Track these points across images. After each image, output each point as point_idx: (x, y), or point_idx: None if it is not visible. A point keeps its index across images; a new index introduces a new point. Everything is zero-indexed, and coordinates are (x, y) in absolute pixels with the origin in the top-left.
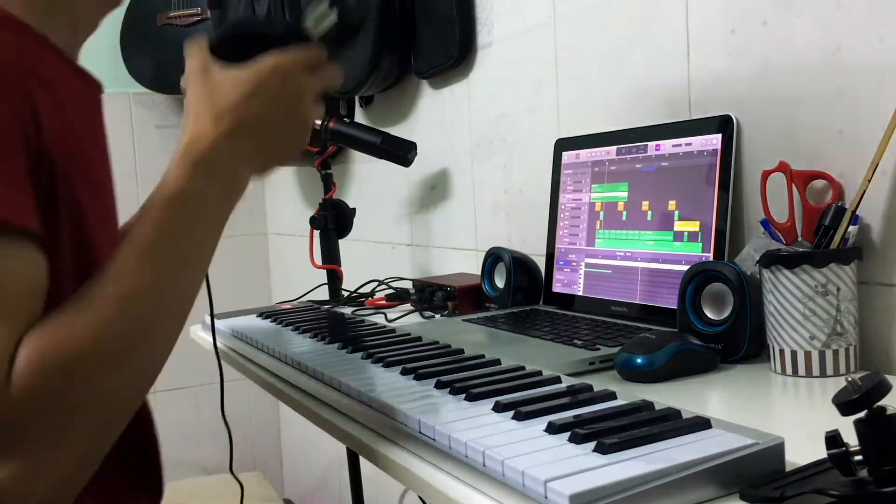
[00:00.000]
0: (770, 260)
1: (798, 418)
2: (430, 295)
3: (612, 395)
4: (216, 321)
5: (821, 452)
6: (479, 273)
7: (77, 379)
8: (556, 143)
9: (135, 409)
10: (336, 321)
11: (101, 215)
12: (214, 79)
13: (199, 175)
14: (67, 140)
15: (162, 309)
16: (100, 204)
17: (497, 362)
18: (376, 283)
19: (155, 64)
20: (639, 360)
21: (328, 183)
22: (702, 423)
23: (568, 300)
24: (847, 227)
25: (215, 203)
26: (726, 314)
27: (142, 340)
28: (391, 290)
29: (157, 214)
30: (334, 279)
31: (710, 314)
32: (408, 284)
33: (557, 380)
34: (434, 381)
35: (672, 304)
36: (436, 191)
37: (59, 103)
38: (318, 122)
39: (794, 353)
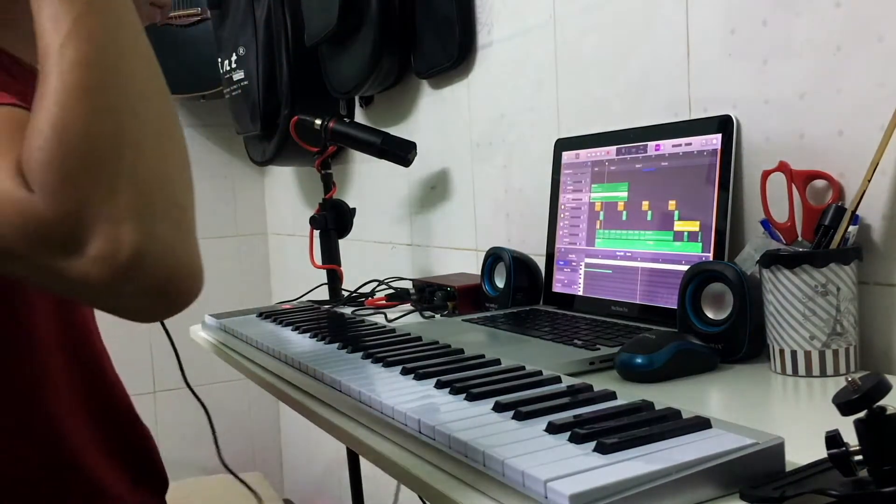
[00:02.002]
0: (770, 260)
1: (798, 418)
2: (430, 295)
3: (612, 395)
4: (216, 320)
5: (821, 452)
6: (479, 273)
7: (78, 143)
8: (556, 143)
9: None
10: (336, 321)
11: None
12: None
13: None
14: None
15: (105, 31)
16: None
17: (497, 362)
18: (376, 283)
19: None
20: (639, 360)
21: (328, 183)
22: (702, 423)
23: (568, 300)
24: (847, 227)
25: None
26: (726, 314)
27: (109, 64)
28: (391, 290)
29: None
30: (334, 279)
31: (710, 314)
32: (408, 284)
33: (557, 380)
34: (434, 381)
35: (672, 304)
36: (436, 191)
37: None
38: (318, 122)
39: (794, 353)
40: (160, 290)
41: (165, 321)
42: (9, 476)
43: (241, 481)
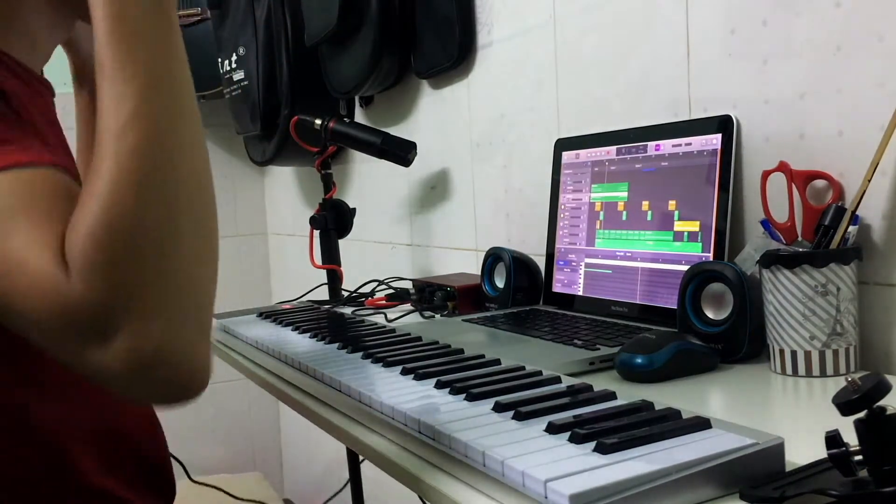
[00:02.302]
0: (770, 260)
1: (798, 418)
2: (430, 295)
3: (612, 395)
4: (216, 320)
5: (821, 452)
6: (479, 273)
7: (128, 234)
8: (556, 143)
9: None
10: (336, 321)
11: None
12: None
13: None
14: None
15: (167, 118)
16: None
17: (497, 362)
18: (376, 283)
19: None
20: (639, 360)
21: (328, 183)
22: (702, 423)
23: (568, 300)
24: (847, 227)
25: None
26: (726, 314)
27: (166, 155)
28: (391, 290)
29: (108, 40)
30: (334, 279)
31: (710, 314)
32: (408, 284)
33: (557, 380)
34: (434, 381)
35: (672, 304)
36: (436, 191)
37: (32, 99)
38: (318, 122)
39: (794, 353)
40: (174, 385)
41: None
42: (9, 476)
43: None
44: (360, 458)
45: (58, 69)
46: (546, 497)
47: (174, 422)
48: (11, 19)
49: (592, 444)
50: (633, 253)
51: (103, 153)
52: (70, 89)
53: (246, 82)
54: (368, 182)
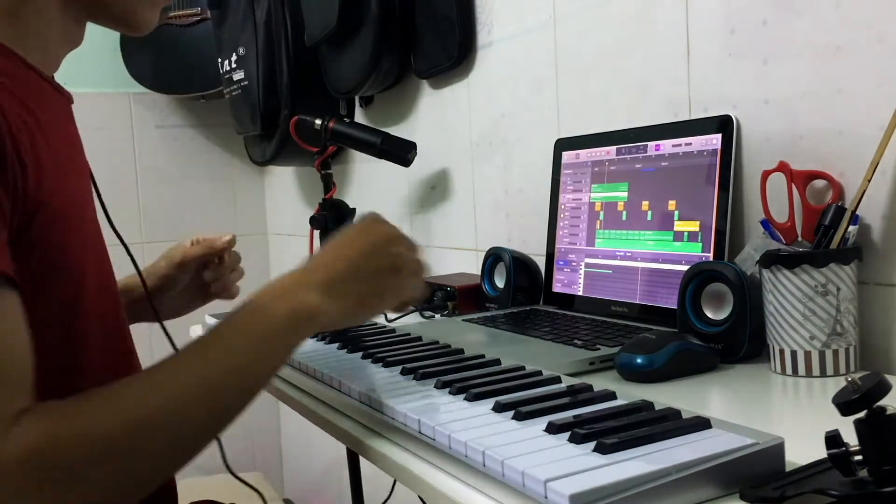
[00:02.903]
0: (770, 260)
1: (798, 418)
2: (430, 295)
3: (612, 395)
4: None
5: (821, 452)
6: (479, 273)
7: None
8: (556, 143)
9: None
10: None
11: (80, 231)
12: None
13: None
14: (48, 162)
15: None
16: (79, 219)
17: (497, 362)
18: None
19: (155, 64)
20: (639, 360)
21: (328, 183)
22: (702, 423)
23: (568, 300)
24: (847, 227)
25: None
26: (726, 314)
27: (153, 447)
28: None
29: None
30: None
31: (710, 314)
32: None
33: (557, 380)
34: (434, 381)
35: (672, 304)
36: (436, 191)
37: (39, 124)
38: (318, 122)
39: (794, 353)
40: None
41: (166, 321)
42: None
43: (242, 481)
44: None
45: (58, 69)
46: (546, 497)
47: None
48: (28, 23)
49: (592, 444)
50: (633, 253)
51: (165, 371)
52: (70, 89)
53: (246, 82)
54: (368, 182)
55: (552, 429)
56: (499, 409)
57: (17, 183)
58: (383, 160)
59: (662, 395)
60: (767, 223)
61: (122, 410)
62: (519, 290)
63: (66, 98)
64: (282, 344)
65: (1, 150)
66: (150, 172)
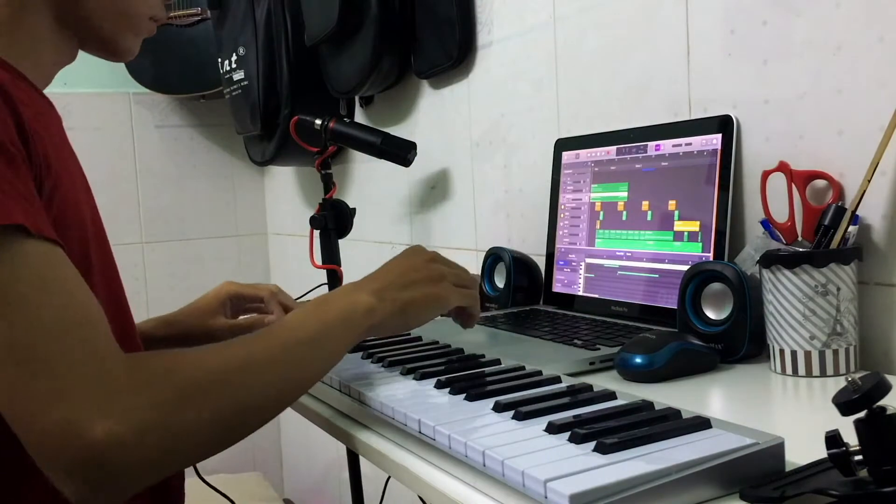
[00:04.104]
0: (770, 260)
1: (798, 418)
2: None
3: (612, 395)
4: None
5: (821, 452)
6: (479, 273)
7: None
8: (556, 143)
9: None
10: None
11: (80, 237)
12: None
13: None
14: (52, 157)
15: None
16: (80, 222)
17: (497, 362)
18: None
19: (155, 64)
20: (639, 360)
21: (328, 183)
22: (702, 423)
23: (568, 300)
24: (847, 227)
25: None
26: (726, 314)
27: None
28: None
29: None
30: (334, 279)
31: (710, 314)
32: None
33: (557, 380)
34: (434, 381)
35: (672, 304)
36: (436, 191)
37: (41, 124)
38: (318, 122)
39: (794, 353)
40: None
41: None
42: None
43: (210, 485)
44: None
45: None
46: (546, 497)
47: None
48: (21, 40)
49: (592, 444)
50: (633, 253)
51: (262, 336)
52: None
53: (246, 82)
54: (368, 182)
55: (552, 429)
56: (499, 409)
57: (37, 163)
58: (383, 160)
59: (662, 395)
60: (767, 223)
61: (231, 353)
62: (519, 290)
63: (58, 114)
64: (342, 328)
65: (22, 133)
66: (150, 172)
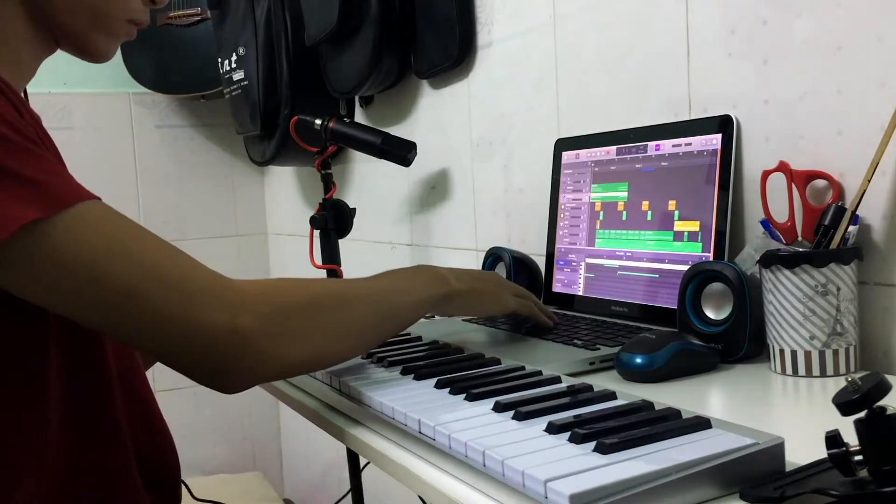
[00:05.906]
0: (770, 260)
1: (798, 418)
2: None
3: (612, 395)
4: None
5: (821, 452)
6: None
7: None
8: (556, 143)
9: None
10: None
11: None
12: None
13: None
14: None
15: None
16: None
17: (497, 362)
18: None
19: (155, 64)
20: (639, 360)
21: (328, 183)
22: (702, 423)
23: (568, 300)
24: (847, 227)
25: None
26: (726, 314)
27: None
28: None
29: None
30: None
31: (710, 314)
32: None
33: (557, 380)
34: (434, 381)
35: (672, 304)
36: (436, 191)
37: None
38: (318, 122)
39: (794, 353)
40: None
41: None
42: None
43: (189, 490)
44: (363, 462)
45: (57, 69)
46: (546, 497)
47: (174, 422)
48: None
49: (592, 444)
50: (634, 253)
51: (358, 286)
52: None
53: (246, 82)
54: (368, 182)
55: (552, 429)
56: (499, 409)
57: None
58: (383, 160)
59: (662, 395)
60: (767, 223)
61: (329, 284)
62: None
63: (36, 113)
64: (425, 288)
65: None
66: (150, 172)
